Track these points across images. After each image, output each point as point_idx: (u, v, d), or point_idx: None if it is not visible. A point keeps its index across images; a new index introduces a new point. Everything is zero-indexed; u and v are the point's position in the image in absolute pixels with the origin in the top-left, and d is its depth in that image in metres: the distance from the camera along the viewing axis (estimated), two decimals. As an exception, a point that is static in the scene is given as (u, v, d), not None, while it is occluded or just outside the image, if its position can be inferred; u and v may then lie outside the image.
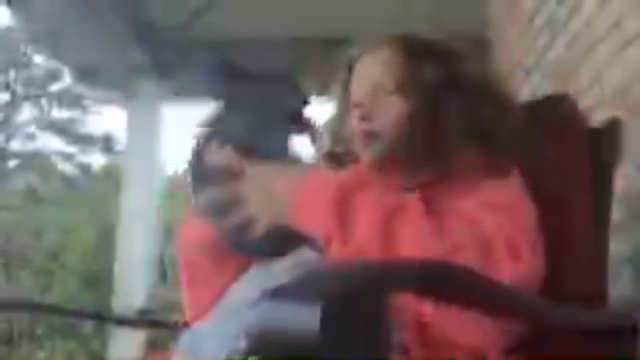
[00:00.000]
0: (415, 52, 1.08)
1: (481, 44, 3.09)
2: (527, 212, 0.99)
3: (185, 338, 0.98)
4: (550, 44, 2.23)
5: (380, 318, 0.42)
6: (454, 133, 1.02)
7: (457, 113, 1.03)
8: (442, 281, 0.54)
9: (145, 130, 4.90)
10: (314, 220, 0.92)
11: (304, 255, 0.96)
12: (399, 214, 0.91)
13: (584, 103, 1.86)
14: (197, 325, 0.98)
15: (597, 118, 1.23)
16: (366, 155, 1.07)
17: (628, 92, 1.69)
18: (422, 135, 1.04)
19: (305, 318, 0.38)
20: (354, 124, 1.08)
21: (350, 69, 1.14)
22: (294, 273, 0.89)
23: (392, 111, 1.06)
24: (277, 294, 0.42)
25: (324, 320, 0.37)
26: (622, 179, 1.22)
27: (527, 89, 2.48)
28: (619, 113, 1.69)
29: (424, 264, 0.63)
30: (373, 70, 1.10)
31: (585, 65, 1.95)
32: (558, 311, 0.77)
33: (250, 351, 0.43)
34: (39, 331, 5.58)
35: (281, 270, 0.95)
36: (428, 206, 0.95)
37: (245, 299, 0.90)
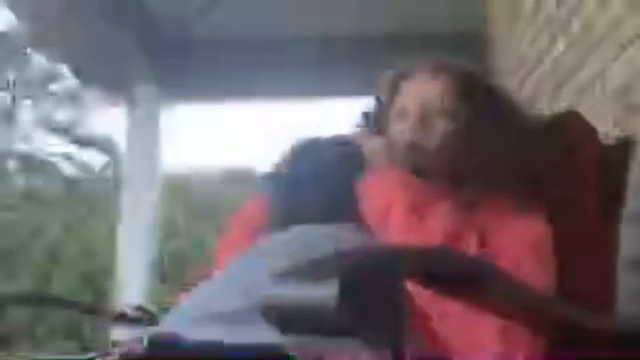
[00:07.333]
0: (466, 88, 1.22)
1: (482, 42, 3.09)
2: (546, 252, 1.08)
3: (197, 292, 1.02)
4: (551, 44, 2.23)
5: (393, 301, 0.42)
6: (492, 156, 1.15)
7: (497, 140, 1.17)
8: (446, 267, 0.54)
9: (145, 131, 4.90)
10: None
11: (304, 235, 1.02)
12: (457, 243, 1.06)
13: (584, 103, 1.86)
14: (207, 283, 1.05)
15: (597, 118, 1.23)
16: (405, 165, 1.19)
17: (628, 92, 1.69)
18: (462, 155, 1.17)
19: (322, 291, 0.38)
20: (398, 130, 1.21)
21: (398, 81, 1.26)
22: (294, 252, 0.94)
23: (438, 129, 1.19)
24: (291, 274, 0.42)
25: (341, 295, 0.38)
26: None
27: (528, 88, 2.47)
28: (619, 113, 1.69)
29: (429, 250, 0.63)
30: (427, 93, 1.22)
31: (585, 65, 1.95)
32: (565, 309, 0.76)
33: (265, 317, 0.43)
34: (39, 331, 5.58)
35: (281, 248, 1.01)
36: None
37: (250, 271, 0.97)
